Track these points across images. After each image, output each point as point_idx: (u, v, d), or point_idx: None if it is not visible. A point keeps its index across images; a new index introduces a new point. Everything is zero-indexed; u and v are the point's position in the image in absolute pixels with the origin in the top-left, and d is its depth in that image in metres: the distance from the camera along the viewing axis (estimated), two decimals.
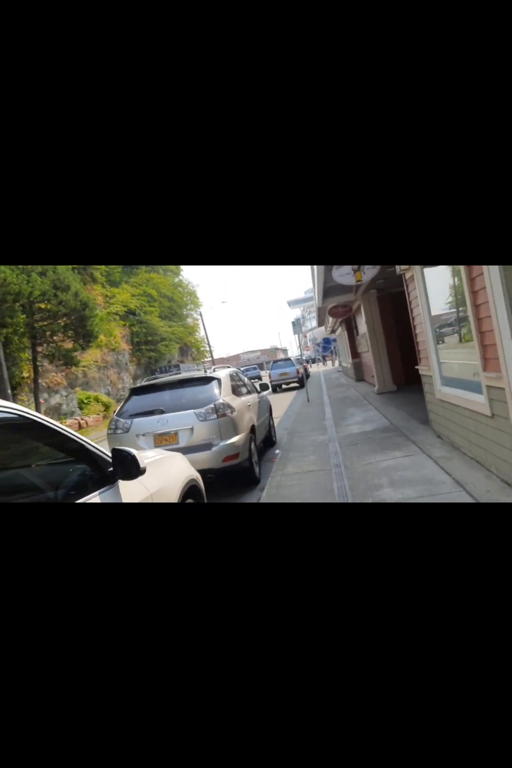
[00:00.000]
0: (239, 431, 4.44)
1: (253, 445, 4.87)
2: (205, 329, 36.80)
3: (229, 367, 5.78)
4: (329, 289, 10.49)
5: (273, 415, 10.20)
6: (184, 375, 4.89)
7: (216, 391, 4.51)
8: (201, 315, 36.18)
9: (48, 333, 12.25)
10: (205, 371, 4.87)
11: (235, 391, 5.01)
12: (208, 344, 36.67)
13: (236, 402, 4.70)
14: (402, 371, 10.70)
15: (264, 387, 6.84)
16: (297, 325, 11.57)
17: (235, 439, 4.34)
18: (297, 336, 11.51)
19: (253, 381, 7.10)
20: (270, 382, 18.63)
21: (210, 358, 37.75)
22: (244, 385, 5.74)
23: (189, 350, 38.21)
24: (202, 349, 39.24)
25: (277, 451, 6.19)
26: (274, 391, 18.76)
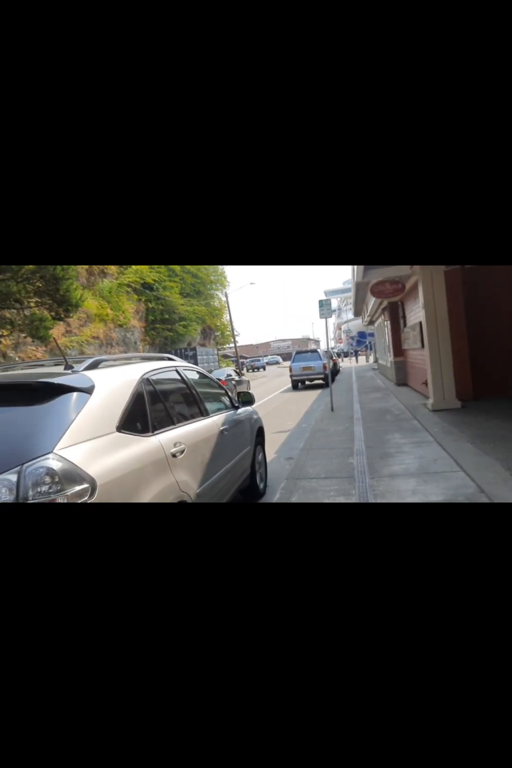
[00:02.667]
0: None
1: None
2: (229, 312, 33.81)
3: (170, 359, 2.91)
4: None
5: (279, 430, 7.29)
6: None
7: (60, 423, 1.65)
8: (226, 296, 33.31)
9: (15, 296, 9.80)
10: (67, 367, 2.02)
11: (149, 420, 2.13)
12: (232, 328, 33.87)
13: (124, 454, 1.82)
14: (472, 382, 7.49)
15: (247, 401, 3.88)
16: (325, 306, 8.51)
17: None
18: (325, 320, 8.45)
19: (230, 378, 4.23)
20: (291, 376, 15.63)
21: (233, 344, 35.00)
22: (196, 403, 2.85)
23: (212, 333, 35.49)
24: (226, 333, 36.40)
25: None
26: (295, 387, 15.78)
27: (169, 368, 2.70)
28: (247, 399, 3.82)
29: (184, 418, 2.59)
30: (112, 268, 22.39)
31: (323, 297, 8.28)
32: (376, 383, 13.89)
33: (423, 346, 8.45)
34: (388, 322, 12.59)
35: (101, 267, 21.43)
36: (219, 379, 15.02)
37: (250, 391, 3.92)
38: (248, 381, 18.90)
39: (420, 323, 8.50)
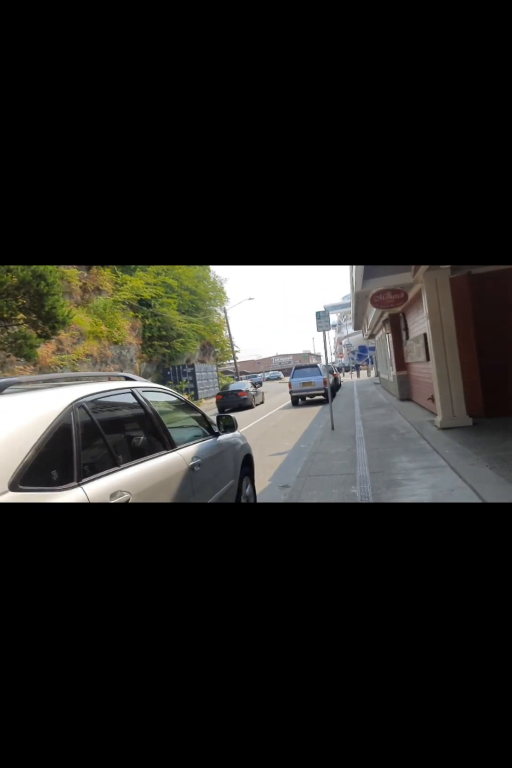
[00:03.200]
0: None
1: None
2: (228, 327, 33.37)
3: (129, 379, 2.37)
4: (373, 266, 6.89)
5: (275, 452, 6.66)
6: None
7: None
8: (225, 312, 32.94)
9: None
10: None
11: (75, 465, 1.57)
12: (231, 344, 33.47)
13: None
14: (483, 396, 6.92)
15: (228, 426, 3.31)
16: (323, 318, 7.99)
17: None
18: (323, 333, 7.92)
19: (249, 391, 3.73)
20: (290, 392, 15.06)
21: (233, 360, 34.58)
22: (157, 433, 2.28)
23: (212, 349, 35.00)
24: (226, 349, 35.88)
25: None
26: (295, 403, 15.21)
27: (120, 390, 2.15)
28: (229, 424, 3.25)
29: (137, 456, 2.02)
30: (107, 285, 22.04)
31: (322, 310, 7.76)
32: (378, 399, 13.32)
33: (428, 359, 7.91)
34: (390, 334, 12.08)
35: (96, 284, 21.09)
36: (239, 391, 15.97)
37: (231, 416, 3.34)
38: (263, 393, 18.63)
39: (425, 335, 7.97)
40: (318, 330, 7.96)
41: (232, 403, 15.76)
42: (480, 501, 3.37)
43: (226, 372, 40.36)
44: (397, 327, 11.49)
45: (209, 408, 18.96)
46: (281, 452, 6.96)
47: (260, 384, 41.18)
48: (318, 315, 7.94)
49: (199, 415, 3.06)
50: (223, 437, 3.13)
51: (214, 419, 3.28)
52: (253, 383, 18.59)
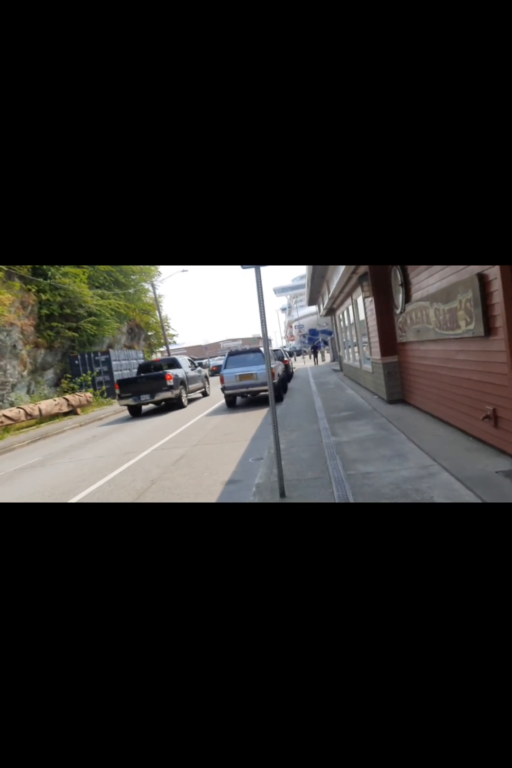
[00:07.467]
0: None
1: None
2: (158, 305, 27.84)
3: None
4: None
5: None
6: None
7: None
8: (154, 287, 27.46)
9: None
10: None
11: None
12: (163, 326, 28.14)
13: None
14: None
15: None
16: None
17: None
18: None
19: None
20: (223, 389, 10.45)
21: (172, 345, 29.32)
22: None
23: (143, 333, 29.40)
24: (160, 332, 30.33)
25: None
26: (230, 405, 10.64)
27: None
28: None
29: None
30: None
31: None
32: (349, 397, 9.05)
33: (488, 331, 3.62)
34: (370, 298, 7.77)
35: None
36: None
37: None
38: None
39: (480, 276, 3.66)
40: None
41: None
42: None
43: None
44: (385, 288, 7.19)
45: (120, 411, 13.94)
46: None
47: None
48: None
49: None
50: None
51: None
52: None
